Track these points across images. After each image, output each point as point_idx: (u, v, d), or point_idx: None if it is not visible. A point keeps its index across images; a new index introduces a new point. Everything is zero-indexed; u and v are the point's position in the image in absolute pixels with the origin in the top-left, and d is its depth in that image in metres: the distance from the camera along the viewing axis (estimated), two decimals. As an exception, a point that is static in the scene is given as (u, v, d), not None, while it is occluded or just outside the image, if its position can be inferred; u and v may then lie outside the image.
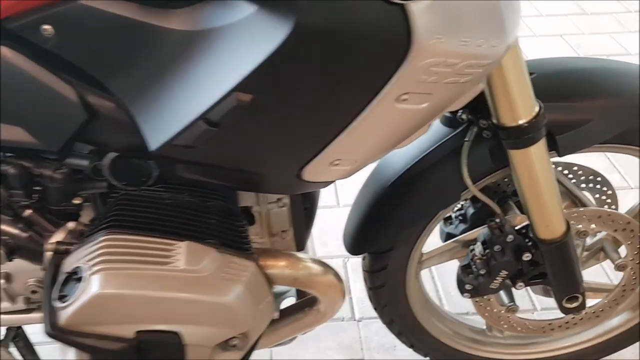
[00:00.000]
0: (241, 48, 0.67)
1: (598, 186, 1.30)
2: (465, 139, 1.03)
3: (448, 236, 1.31)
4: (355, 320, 1.64)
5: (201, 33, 0.70)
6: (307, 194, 1.09)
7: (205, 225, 0.83)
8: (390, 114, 0.74)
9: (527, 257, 1.14)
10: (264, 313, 0.85)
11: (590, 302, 1.34)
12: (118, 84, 0.74)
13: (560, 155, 1.05)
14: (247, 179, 0.83)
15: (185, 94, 0.70)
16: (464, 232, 1.28)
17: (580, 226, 1.17)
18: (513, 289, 1.24)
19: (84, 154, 0.86)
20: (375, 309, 1.34)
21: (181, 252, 0.76)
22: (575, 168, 1.28)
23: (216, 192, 0.89)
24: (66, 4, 0.72)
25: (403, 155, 1.13)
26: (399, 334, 1.38)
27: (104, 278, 0.74)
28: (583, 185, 1.29)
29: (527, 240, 1.13)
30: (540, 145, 0.99)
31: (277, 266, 0.90)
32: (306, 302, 1.04)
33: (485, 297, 1.26)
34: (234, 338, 0.81)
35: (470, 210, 1.28)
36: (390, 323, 1.36)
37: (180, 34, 0.71)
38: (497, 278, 1.17)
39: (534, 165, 1.01)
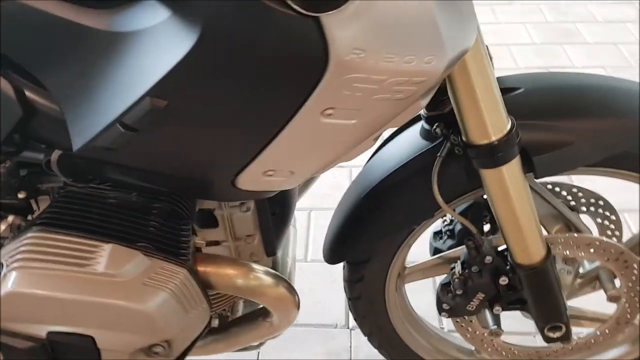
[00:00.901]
0: (155, 53, 0.66)
1: (600, 210, 1.22)
2: (438, 154, 0.99)
3: (435, 251, 1.27)
4: (348, 328, 1.61)
5: (124, 35, 0.69)
6: (275, 199, 1.07)
7: (142, 228, 0.81)
8: (317, 128, 0.71)
9: (503, 281, 1.08)
10: (194, 321, 0.83)
11: (585, 330, 1.28)
12: (52, 81, 0.74)
13: (537, 177, 0.99)
14: (180, 184, 0.81)
15: (106, 95, 0.69)
16: (451, 249, 1.23)
17: (568, 253, 1.11)
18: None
19: (39, 149, 0.86)
20: (355, 319, 1.31)
21: (104, 254, 0.75)
22: (575, 190, 1.21)
23: (166, 194, 0.88)
24: (4, 1, 0.73)
25: (382, 165, 1.09)
26: (379, 347, 1.34)
27: (20, 276, 0.73)
28: (584, 209, 1.22)
29: (506, 263, 1.08)
30: (514, 165, 0.93)
31: (221, 274, 0.88)
32: (259, 312, 1.02)
33: (465, 317, 1.21)
34: (157, 345, 0.80)
35: (458, 227, 1.23)
36: (369, 335, 1.32)
37: (106, 35, 0.70)
38: (474, 300, 1.12)
39: (507, 186, 0.95)
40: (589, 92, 1.00)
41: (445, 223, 1.26)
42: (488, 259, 1.08)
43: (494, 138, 0.90)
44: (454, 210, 1.21)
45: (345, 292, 1.27)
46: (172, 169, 0.78)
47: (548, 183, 1.20)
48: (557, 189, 1.20)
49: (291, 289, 0.97)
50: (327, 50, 0.63)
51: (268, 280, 0.94)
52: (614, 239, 1.25)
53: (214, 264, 0.88)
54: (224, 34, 0.62)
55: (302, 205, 1.90)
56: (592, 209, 1.22)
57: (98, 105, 0.70)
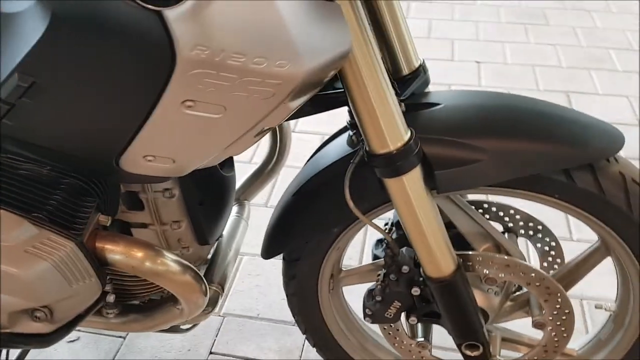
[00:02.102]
0: (25, 34, 0.72)
1: (539, 235, 1.22)
2: (351, 161, 1.01)
3: (375, 258, 1.28)
4: (305, 326, 1.64)
5: (7, 15, 0.75)
6: (204, 188, 1.12)
7: (42, 200, 0.87)
8: (181, 118, 0.75)
9: (415, 291, 1.10)
10: (79, 294, 0.89)
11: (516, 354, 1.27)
12: None
13: (438, 192, 0.99)
14: (66, 159, 0.86)
15: None
16: (388, 256, 1.25)
17: (487, 272, 1.11)
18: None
19: None
20: (293, 316, 1.34)
21: (-9, 219, 0.83)
22: (512, 212, 1.21)
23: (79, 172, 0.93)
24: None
25: (312, 167, 1.12)
26: (314, 346, 1.37)
27: None
28: (522, 232, 1.22)
29: (420, 274, 1.09)
30: (414, 176, 0.95)
31: (121, 254, 0.93)
32: (170, 298, 1.07)
33: (391, 325, 1.22)
34: (37, 310, 0.87)
35: (395, 235, 1.25)
36: (305, 333, 1.35)
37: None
38: (391, 308, 1.14)
39: (409, 197, 0.96)
40: (508, 113, 1.00)
41: (386, 231, 1.28)
42: (405, 268, 1.10)
43: (392, 147, 0.92)
44: (391, 223, 1.23)
45: (283, 287, 1.31)
46: (61, 145, 0.84)
47: (484, 202, 1.21)
48: (494, 208, 1.21)
49: (199, 278, 1.02)
50: (172, 44, 0.68)
51: (174, 267, 0.98)
52: (555, 266, 1.24)
53: (113, 242, 0.93)
54: (72, 21, 0.68)
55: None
56: (530, 233, 1.22)
57: None
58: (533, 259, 1.24)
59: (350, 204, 1.02)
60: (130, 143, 0.80)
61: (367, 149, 0.95)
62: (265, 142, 1.41)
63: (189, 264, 1.02)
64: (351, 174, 1.01)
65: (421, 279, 1.09)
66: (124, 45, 0.69)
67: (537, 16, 3.13)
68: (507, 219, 1.21)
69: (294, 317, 1.34)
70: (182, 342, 1.61)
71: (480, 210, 1.20)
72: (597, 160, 0.99)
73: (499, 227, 1.22)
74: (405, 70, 1.08)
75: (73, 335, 1.63)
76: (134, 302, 1.18)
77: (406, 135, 0.92)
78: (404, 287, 1.11)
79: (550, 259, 1.24)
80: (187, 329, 1.27)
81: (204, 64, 0.69)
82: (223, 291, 1.23)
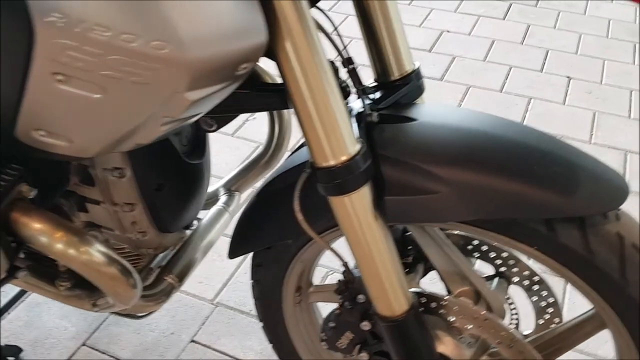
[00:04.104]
0: None
1: (535, 288, 1.05)
2: (305, 169, 0.90)
3: (352, 277, 1.16)
4: (293, 332, 1.54)
5: None
6: (159, 174, 1.05)
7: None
8: (57, 93, 0.68)
9: (365, 325, 0.97)
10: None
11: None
12: None
13: (388, 221, 0.86)
14: None
15: None
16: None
17: (452, 319, 0.96)
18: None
19: None
20: (260, 321, 1.25)
21: None
22: (506, 255, 1.04)
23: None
24: None
25: (286, 164, 1.01)
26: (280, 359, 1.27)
27: None
28: (515, 280, 1.05)
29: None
30: (361, 198, 0.82)
31: (37, 231, 0.86)
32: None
33: (351, 355, 1.10)
34: None
35: (371, 257, 1.12)
36: (270, 342, 1.26)
37: None
38: (343, 338, 1.02)
39: (353, 221, 0.84)
40: (489, 141, 0.83)
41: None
42: (360, 297, 0.98)
43: (334, 161, 0.80)
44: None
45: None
46: None
47: (476, 239, 1.05)
48: (485, 247, 1.05)
49: (126, 272, 0.94)
50: (28, 9, 0.60)
51: (100, 259, 0.92)
52: (552, 326, 1.06)
53: (29, 217, 0.87)
54: None
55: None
56: (525, 283, 1.05)
57: None
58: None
59: (299, 216, 0.90)
60: (18, 113, 0.74)
61: (310, 159, 0.84)
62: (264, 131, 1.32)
63: (116, 257, 0.94)
64: (303, 183, 0.89)
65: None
66: None
67: (651, 36, 2.81)
68: (499, 261, 1.05)
69: (261, 322, 1.25)
70: (168, 323, 1.56)
71: (470, 247, 1.05)
72: (589, 215, 0.82)
73: (489, 269, 1.06)
74: (395, 75, 0.94)
75: (68, 295, 1.62)
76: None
77: (354, 148, 0.80)
78: (356, 318, 0.99)
79: (547, 317, 1.06)
80: (142, 316, 1.21)
81: (62, 34, 0.61)
82: (180, 283, 1.16)
